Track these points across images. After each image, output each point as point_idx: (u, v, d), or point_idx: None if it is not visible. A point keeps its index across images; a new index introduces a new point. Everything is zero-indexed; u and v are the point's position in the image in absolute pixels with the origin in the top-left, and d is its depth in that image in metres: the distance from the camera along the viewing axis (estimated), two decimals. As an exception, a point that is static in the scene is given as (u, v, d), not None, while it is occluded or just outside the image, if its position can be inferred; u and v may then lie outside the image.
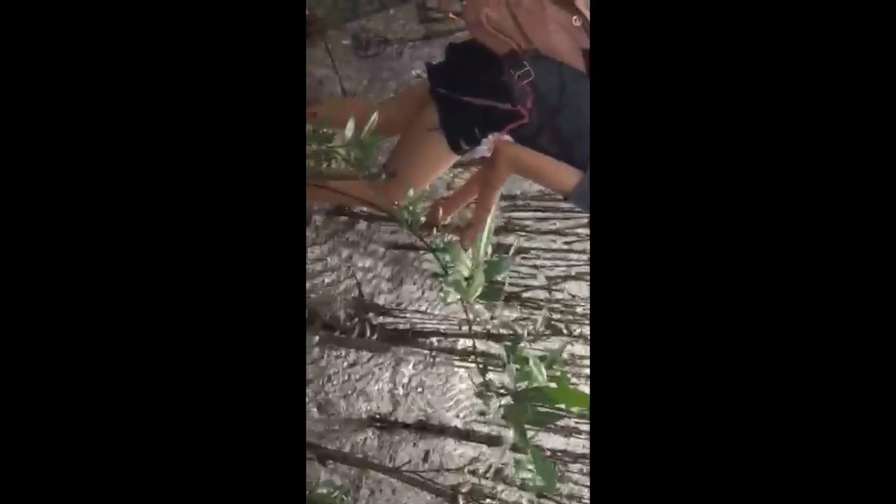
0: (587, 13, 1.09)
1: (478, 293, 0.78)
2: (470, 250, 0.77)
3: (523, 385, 0.74)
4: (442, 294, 2.05)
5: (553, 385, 0.67)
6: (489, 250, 0.77)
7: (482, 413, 2.25)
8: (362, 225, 1.74)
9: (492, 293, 0.81)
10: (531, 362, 0.70)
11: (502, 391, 0.77)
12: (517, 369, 0.80)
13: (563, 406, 0.67)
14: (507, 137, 1.19)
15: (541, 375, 0.68)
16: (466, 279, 0.78)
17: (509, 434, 0.72)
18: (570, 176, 1.09)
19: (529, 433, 0.75)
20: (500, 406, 0.74)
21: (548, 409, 0.68)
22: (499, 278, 0.78)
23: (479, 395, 0.78)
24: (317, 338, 1.40)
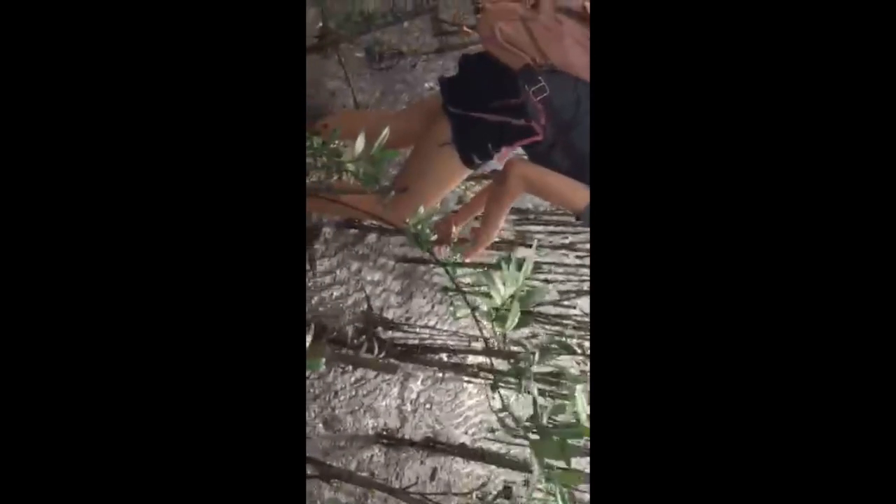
0: None
1: (514, 324, 0.76)
2: (504, 279, 0.75)
3: (555, 420, 0.72)
4: (452, 308, 2.02)
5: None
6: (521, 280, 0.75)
7: (492, 430, 2.21)
8: (372, 238, 1.72)
9: (524, 321, 0.78)
10: (578, 398, 0.68)
11: (528, 423, 0.75)
12: (535, 395, 0.78)
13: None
14: (520, 151, 1.17)
15: (584, 413, 0.65)
16: (499, 308, 0.76)
17: (536, 469, 0.69)
18: (581, 195, 1.07)
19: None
20: (525, 436, 0.72)
21: (577, 443, 0.65)
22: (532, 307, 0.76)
23: (502, 425, 0.76)
24: (324, 360, 1.38)
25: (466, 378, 2.00)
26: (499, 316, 0.79)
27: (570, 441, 0.68)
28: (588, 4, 1.09)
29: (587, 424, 0.67)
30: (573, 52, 1.07)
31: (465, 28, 1.93)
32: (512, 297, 0.73)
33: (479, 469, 2.06)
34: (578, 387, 0.72)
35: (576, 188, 1.09)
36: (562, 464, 0.69)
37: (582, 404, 0.71)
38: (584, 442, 0.70)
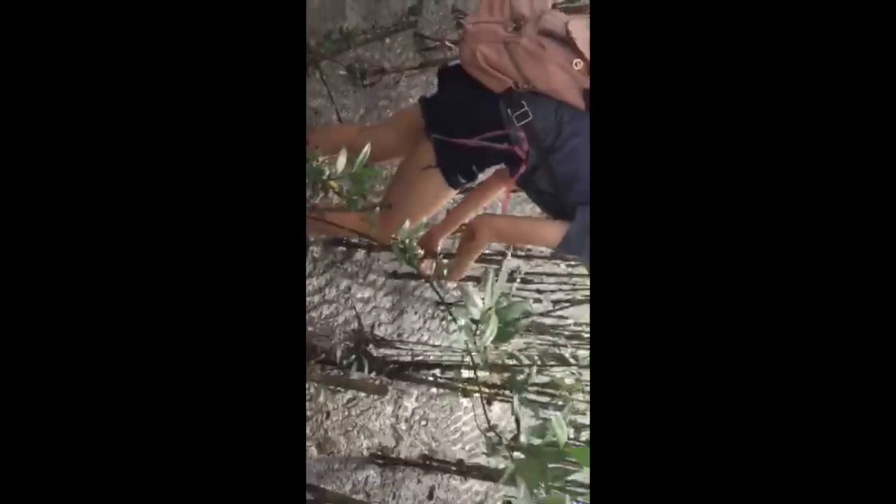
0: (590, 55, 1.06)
1: (493, 336, 0.75)
2: (481, 293, 0.75)
3: (538, 440, 0.70)
4: (444, 323, 2.00)
5: (575, 443, 0.64)
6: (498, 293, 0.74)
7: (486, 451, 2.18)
8: (361, 255, 1.71)
9: (505, 335, 0.77)
10: (554, 421, 0.67)
11: (513, 443, 0.74)
12: (528, 417, 0.77)
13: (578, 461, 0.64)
14: (503, 167, 1.16)
15: (563, 434, 0.64)
16: (478, 321, 0.75)
17: (521, 492, 0.68)
18: (552, 232, 1.08)
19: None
20: (510, 460, 0.70)
21: (562, 465, 0.64)
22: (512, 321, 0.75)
23: (489, 447, 0.75)
24: (315, 384, 1.36)
25: (462, 393, 1.98)
26: (479, 330, 0.78)
27: (549, 464, 0.67)
28: (571, 28, 1.08)
29: (566, 445, 0.66)
30: (556, 76, 1.06)
31: (446, 42, 1.94)
32: (490, 309, 0.72)
33: (477, 485, 2.03)
34: (556, 414, 0.70)
35: (544, 227, 1.10)
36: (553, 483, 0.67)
37: (561, 426, 0.69)
38: (566, 465, 0.68)
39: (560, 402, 1.54)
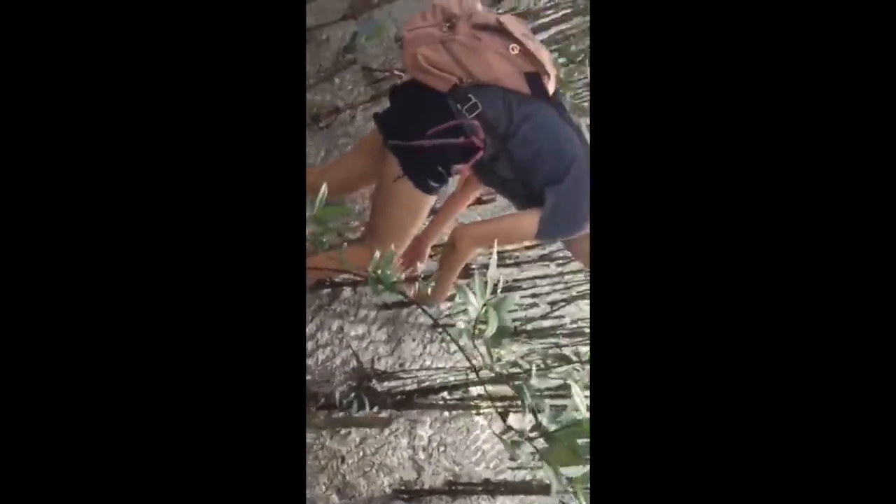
0: (526, 42, 1.10)
1: (492, 333, 0.76)
2: (475, 291, 0.76)
3: (558, 422, 0.70)
4: (450, 347, 1.98)
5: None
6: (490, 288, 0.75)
7: (513, 458, 2.15)
8: (347, 292, 1.70)
9: (505, 333, 0.78)
10: (574, 393, 0.67)
11: (533, 434, 0.74)
12: (540, 406, 0.77)
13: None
14: (466, 167, 1.18)
15: (584, 406, 0.64)
16: (476, 322, 0.76)
17: (553, 480, 0.67)
18: (528, 223, 1.11)
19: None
20: (534, 451, 0.70)
21: (586, 440, 0.64)
22: (506, 317, 0.76)
23: (512, 444, 0.74)
24: (322, 431, 1.34)
25: (474, 410, 1.96)
26: (479, 331, 0.79)
27: (577, 440, 0.67)
28: (504, 20, 1.12)
29: (587, 416, 0.66)
30: (496, 64, 1.10)
31: (395, 71, 1.97)
32: (485, 304, 0.73)
33: (508, 502, 2.00)
34: (574, 384, 0.71)
35: (520, 220, 1.12)
36: (576, 469, 0.67)
37: (580, 397, 0.70)
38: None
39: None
